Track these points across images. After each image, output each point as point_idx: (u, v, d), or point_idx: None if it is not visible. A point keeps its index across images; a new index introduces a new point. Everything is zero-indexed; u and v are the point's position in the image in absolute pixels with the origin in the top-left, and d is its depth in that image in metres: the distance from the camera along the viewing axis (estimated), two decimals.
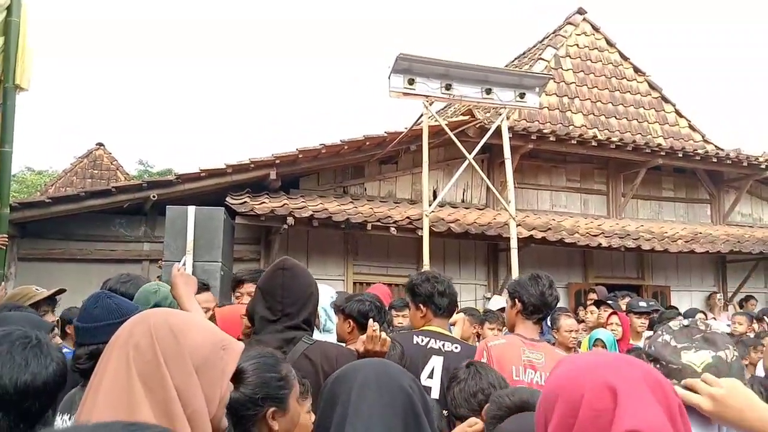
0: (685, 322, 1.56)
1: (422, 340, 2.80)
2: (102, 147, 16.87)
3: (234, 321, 2.98)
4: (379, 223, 7.59)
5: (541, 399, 1.08)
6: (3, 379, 1.23)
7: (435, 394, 2.66)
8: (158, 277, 5.69)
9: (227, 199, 7.16)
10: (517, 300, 2.85)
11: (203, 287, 3.14)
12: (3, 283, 4.27)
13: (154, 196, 7.18)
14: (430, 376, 2.70)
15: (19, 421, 1.25)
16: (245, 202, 7.23)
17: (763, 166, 9.90)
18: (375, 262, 8.49)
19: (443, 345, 2.80)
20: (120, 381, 1.08)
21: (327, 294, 3.38)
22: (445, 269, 8.36)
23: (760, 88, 68.62)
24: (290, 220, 7.11)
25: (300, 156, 7.72)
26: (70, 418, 1.87)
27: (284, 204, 7.39)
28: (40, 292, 3.25)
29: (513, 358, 2.65)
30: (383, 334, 2.31)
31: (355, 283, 8.35)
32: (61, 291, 3.49)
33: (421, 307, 2.93)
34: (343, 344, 2.69)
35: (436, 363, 2.73)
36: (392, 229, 7.59)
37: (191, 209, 6.08)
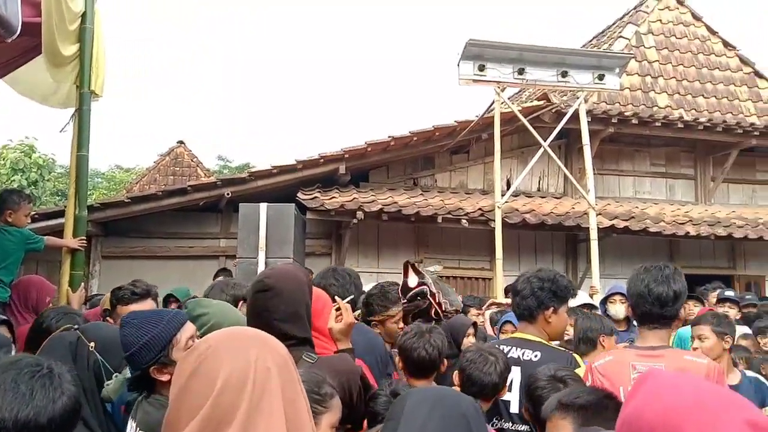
0: None
1: (504, 350, 2.56)
2: (183, 145, 17.46)
3: None
4: (450, 216, 7.41)
5: (649, 424, 0.89)
6: (2, 411, 1.08)
7: (514, 408, 2.46)
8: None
9: (298, 194, 7.19)
10: (631, 305, 2.44)
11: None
12: (82, 283, 4.38)
13: (228, 194, 7.31)
14: (509, 389, 2.49)
15: None
16: (315, 197, 7.24)
17: None
18: (447, 254, 8.32)
19: (522, 354, 2.53)
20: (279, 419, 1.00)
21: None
22: (520, 262, 8.09)
23: None
24: (360, 215, 7.06)
25: (369, 149, 7.65)
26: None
27: (354, 198, 7.34)
28: None
29: (621, 378, 2.24)
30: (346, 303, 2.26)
31: None
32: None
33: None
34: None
35: (515, 375, 2.50)
36: (464, 221, 7.40)
37: (263, 206, 6.12)
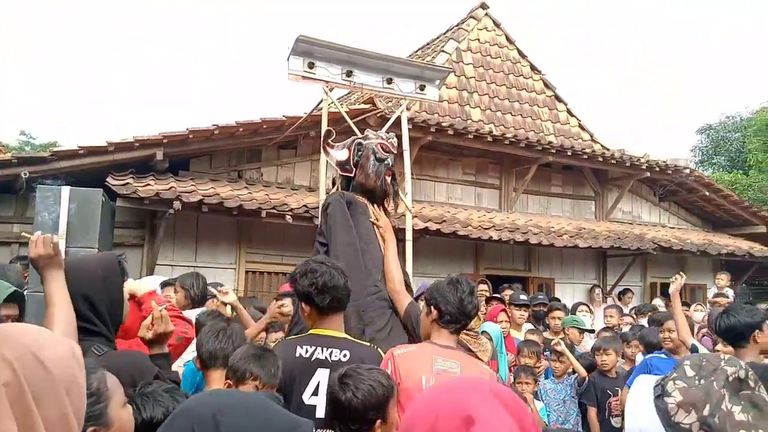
0: (741, 373, 1.23)
1: (306, 351, 2.43)
2: None
3: None
4: (274, 211, 7.35)
5: (401, 427, 1.09)
6: None
7: (320, 413, 2.33)
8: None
9: (108, 179, 6.67)
10: (433, 307, 2.57)
11: None
12: None
13: (25, 174, 6.56)
14: (315, 392, 2.37)
15: None
16: (128, 183, 6.77)
17: (644, 167, 10.53)
18: (270, 250, 8.26)
19: (330, 354, 2.43)
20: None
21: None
22: None
23: (646, 93, 73.61)
24: (177, 204, 6.72)
25: (190, 136, 7.32)
26: None
27: (171, 187, 6.99)
28: None
29: (422, 368, 2.36)
30: (163, 310, 2.25)
31: (247, 272, 8.09)
32: None
33: (303, 305, 2.54)
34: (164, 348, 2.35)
35: (321, 377, 2.38)
36: (288, 217, 7.38)
37: (65, 189, 5.56)
